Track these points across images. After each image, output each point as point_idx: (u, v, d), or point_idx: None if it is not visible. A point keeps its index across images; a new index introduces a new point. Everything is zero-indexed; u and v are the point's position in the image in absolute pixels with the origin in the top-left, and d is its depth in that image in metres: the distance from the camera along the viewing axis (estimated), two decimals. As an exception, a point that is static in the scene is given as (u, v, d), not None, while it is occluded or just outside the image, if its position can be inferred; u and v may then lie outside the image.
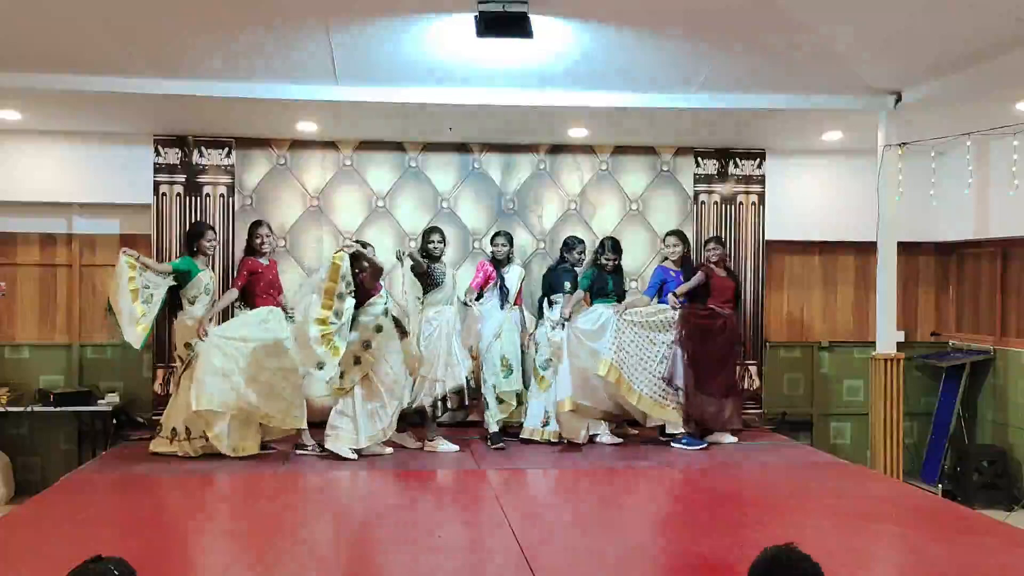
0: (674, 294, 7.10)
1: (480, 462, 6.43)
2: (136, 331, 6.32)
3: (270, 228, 6.93)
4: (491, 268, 7.16)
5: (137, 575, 2.44)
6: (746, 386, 7.93)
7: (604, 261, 7.22)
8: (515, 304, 7.20)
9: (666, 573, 4.37)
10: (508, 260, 7.23)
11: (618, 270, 7.32)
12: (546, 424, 7.00)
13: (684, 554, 4.58)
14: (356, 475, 6.14)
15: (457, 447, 6.79)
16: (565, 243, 7.35)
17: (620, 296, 7.27)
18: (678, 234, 7.41)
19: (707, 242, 7.45)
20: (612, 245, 7.27)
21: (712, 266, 7.24)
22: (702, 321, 7.07)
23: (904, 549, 4.71)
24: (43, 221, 7.78)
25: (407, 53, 5.99)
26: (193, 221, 7.42)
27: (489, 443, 6.90)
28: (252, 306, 6.69)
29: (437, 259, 6.92)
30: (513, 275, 7.20)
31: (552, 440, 6.96)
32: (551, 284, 7.19)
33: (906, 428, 7.36)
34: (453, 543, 4.65)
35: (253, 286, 6.68)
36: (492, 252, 7.26)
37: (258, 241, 6.76)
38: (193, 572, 4.17)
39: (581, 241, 7.33)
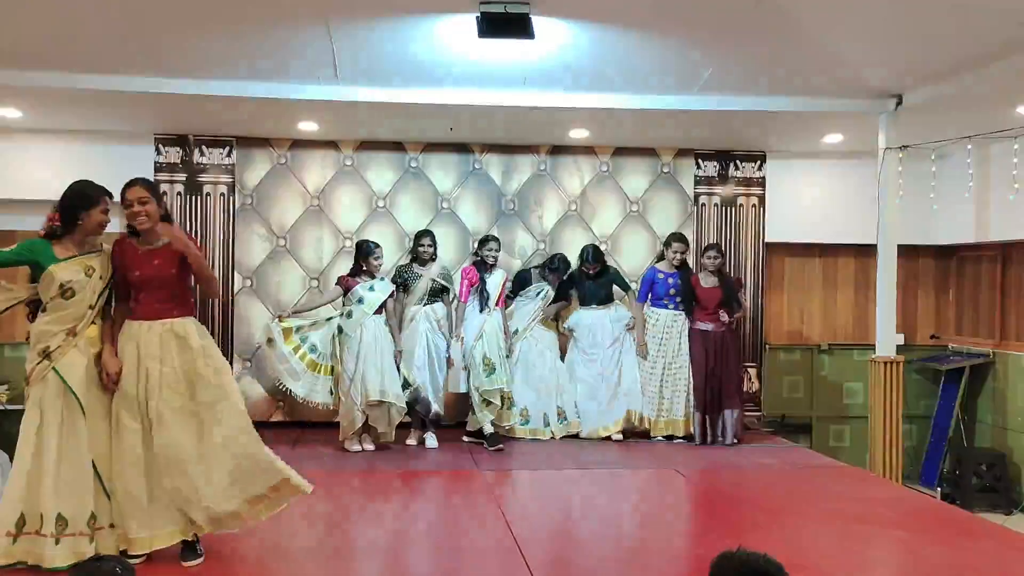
0: (727, 313, 7.21)
1: (479, 463, 6.44)
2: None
3: (148, 186, 4.18)
4: (475, 273, 7.18)
5: (136, 574, 2.44)
6: (745, 388, 7.91)
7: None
8: (497, 306, 7.16)
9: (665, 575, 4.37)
10: (494, 264, 7.26)
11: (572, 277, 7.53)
12: (547, 424, 7.13)
13: (683, 556, 4.58)
14: (353, 476, 6.13)
15: (415, 441, 7.00)
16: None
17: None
18: (684, 239, 7.40)
19: (705, 249, 7.43)
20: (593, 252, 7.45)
21: (701, 275, 7.26)
22: (698, 341, 7.24)
23: (903, 552, 4.71)
24: (43, 220, 7.75)
25: (408, 53, 5.99)
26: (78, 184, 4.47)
27: (487, 445, 6.89)
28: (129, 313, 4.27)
29: (424, 262, 7.06)
30: (496, 279, 7.19)
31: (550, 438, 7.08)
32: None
33: (905, 431, 7.35)
34: (451, 543, 4.66)
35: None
36: (483, 256, 7.21)
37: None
38: (191, 571, 4.17)
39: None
